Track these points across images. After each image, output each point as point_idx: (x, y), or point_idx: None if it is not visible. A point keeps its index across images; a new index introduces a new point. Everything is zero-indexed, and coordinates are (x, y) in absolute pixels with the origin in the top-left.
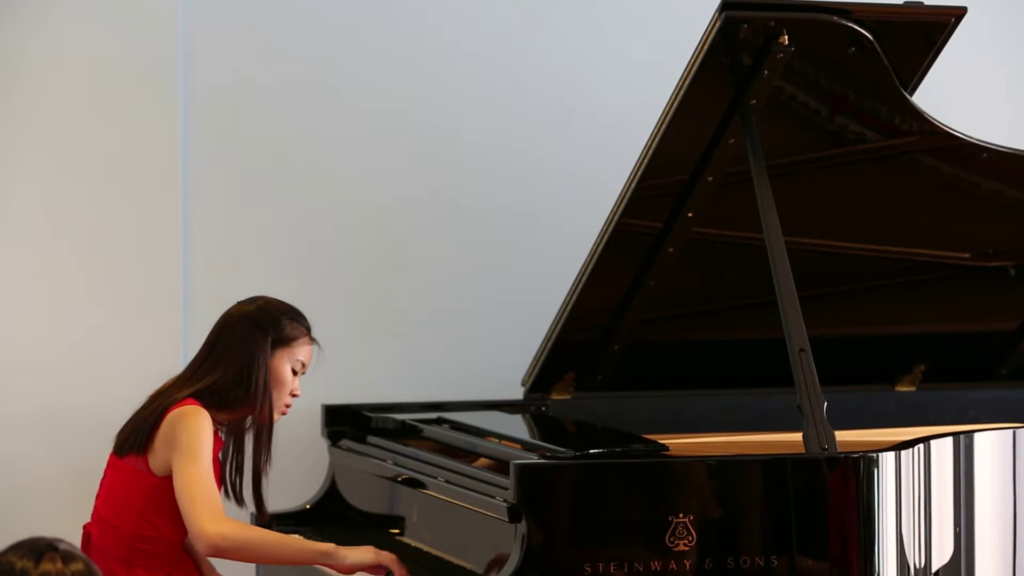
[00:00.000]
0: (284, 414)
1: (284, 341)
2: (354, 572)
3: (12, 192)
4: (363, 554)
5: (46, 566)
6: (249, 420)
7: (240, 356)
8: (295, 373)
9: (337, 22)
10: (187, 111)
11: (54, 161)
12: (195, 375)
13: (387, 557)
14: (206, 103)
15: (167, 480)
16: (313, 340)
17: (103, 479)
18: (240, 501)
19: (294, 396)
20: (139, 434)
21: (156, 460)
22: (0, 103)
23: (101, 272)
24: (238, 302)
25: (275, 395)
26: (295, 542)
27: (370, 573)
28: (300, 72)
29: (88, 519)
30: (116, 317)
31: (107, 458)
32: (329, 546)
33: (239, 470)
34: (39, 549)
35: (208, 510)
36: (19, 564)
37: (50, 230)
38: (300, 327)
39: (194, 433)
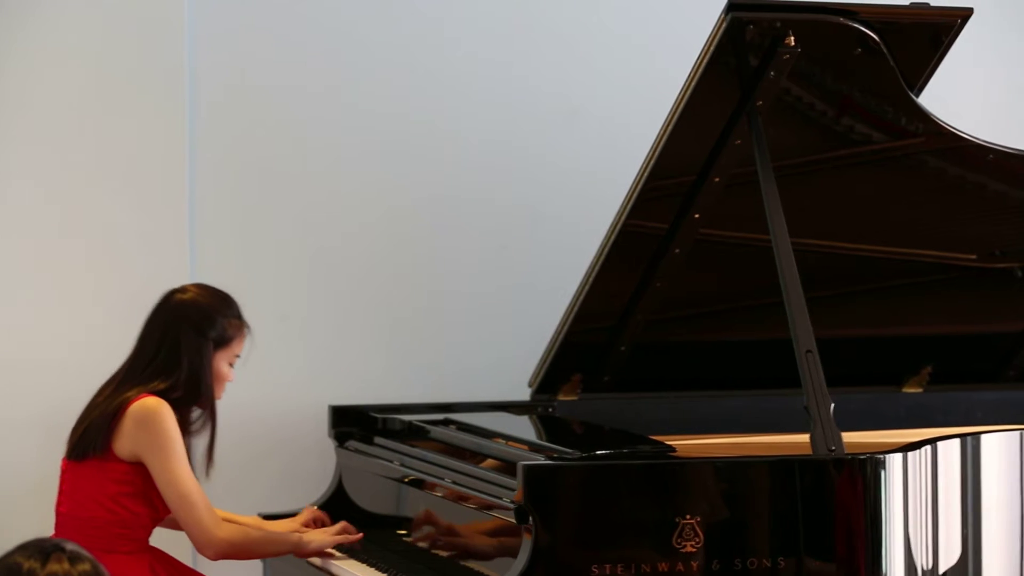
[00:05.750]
0: (219, 399)
1: (223, 342)
2: (319, 554)
3: (18, 193)
4: (323, 539)
5: (53, 567)
6: (197, 412)
7: (188, 364)
8: (230, 365)
9: (340, 24)
10: (193, 113)
11: (60, 162)
12: (144, 374)
13: (340, 535)
14: (212, 105)
15: (136, 466)
16: (246, 327)
17: (62, 484)
18: None
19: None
20: (96, 435)
21: (122, 450)
22: (5, 104)
23: (107, 274)
24: (174, 294)
25: (216, 390)
26: (276, 536)
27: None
28: (304, 73)
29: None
30: (122, 318)
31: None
32: (295, 536)
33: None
34: (46, 550)
35: (210, 517)
36: (26, 564)
37: (56, 232)
38: (236, 323)
39: (166, 429)
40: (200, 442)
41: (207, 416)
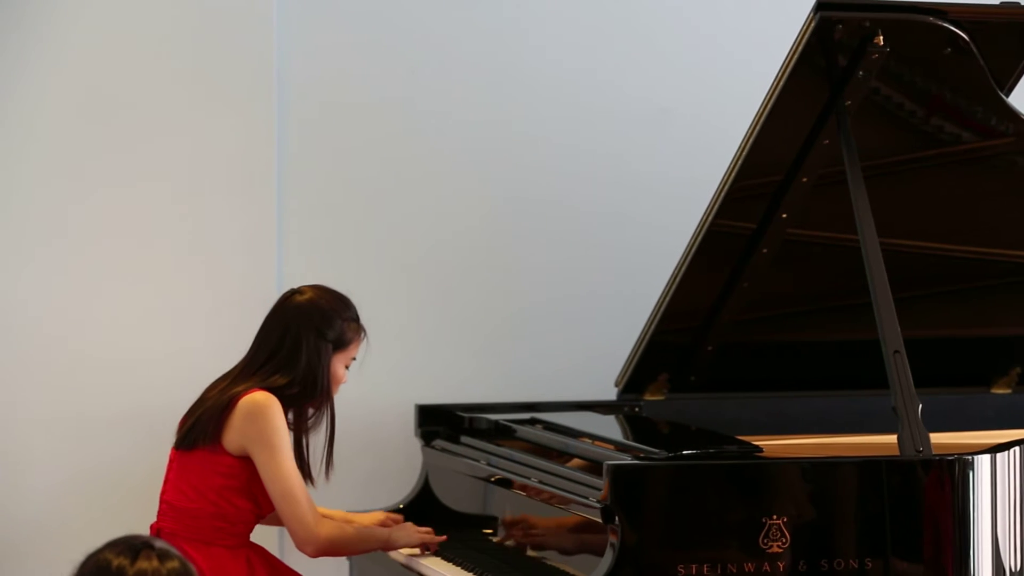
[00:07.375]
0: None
1: (342, 344)
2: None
3: (111, 194)
4: (411, 537)
5: (142, 564)
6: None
7: (307, 362)
8: (346, 368)
9: (430, 29)
10: (282, 115)
11: (151, 165)
12: (260, 372)
13: (426, 538)
14: (302, 107)
15: (243, 460)
16: (363, 331)
17: (168, 473)
18: (312, 481)
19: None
20: (207, 426)
21: (230, 444)
22: (98, 104)
23: (199, 274)
24: (292, 295)
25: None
26: (369, 533)
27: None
28: (395, 77)
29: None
30: (212, 318)
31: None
32: (385, 532)
33: (305, 454)
34: (135, 547)
35: (312, 514)
36: (116, 562)
37: (150, 237)
38: (354, 326)
39: (274, 424)
40: (308, 444)
41: (326, 419)
